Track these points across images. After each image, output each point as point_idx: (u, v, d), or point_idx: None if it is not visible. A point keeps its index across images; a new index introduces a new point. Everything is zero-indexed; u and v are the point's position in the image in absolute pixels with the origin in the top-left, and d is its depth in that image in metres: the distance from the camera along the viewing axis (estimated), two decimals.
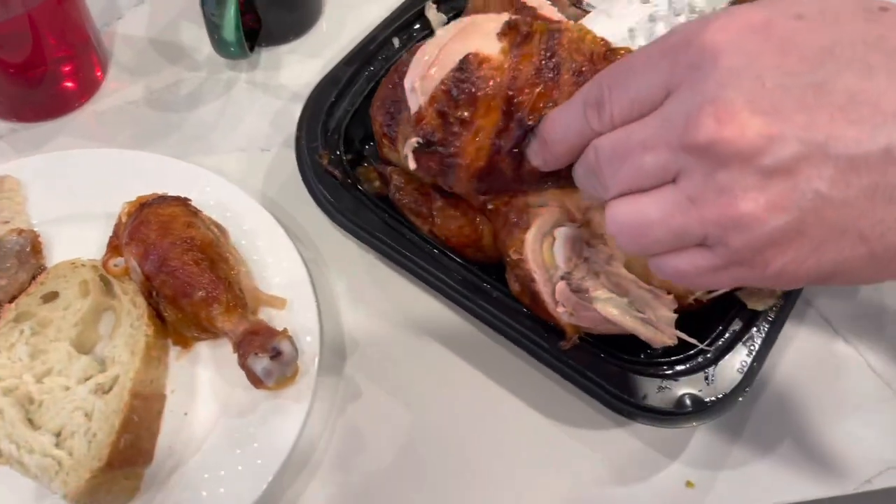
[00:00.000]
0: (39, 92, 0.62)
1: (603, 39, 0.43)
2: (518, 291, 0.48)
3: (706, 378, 0.46)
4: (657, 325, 0.45)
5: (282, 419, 0.47)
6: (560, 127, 0.37)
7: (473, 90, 0.42)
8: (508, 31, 0.42)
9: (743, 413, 0.52)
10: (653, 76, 0.31)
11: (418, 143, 0.43)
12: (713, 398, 0.45)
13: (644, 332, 0.44)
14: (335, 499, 0.48)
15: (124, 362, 0.46)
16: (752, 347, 0.47)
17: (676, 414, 0.45)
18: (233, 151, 0.62)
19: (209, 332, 0.49)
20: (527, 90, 0.41)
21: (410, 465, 0.49)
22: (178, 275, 0.48)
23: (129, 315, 0.49)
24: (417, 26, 0.61)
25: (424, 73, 0.44)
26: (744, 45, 0.29)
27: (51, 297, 0.50)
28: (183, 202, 0.53)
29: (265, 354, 0.45)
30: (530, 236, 0.44)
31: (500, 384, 0.52)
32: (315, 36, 0.70)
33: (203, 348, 0.51)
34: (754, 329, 0.48)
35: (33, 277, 0.52)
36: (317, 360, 0.49)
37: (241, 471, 0.46)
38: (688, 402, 0.45)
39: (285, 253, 0.54)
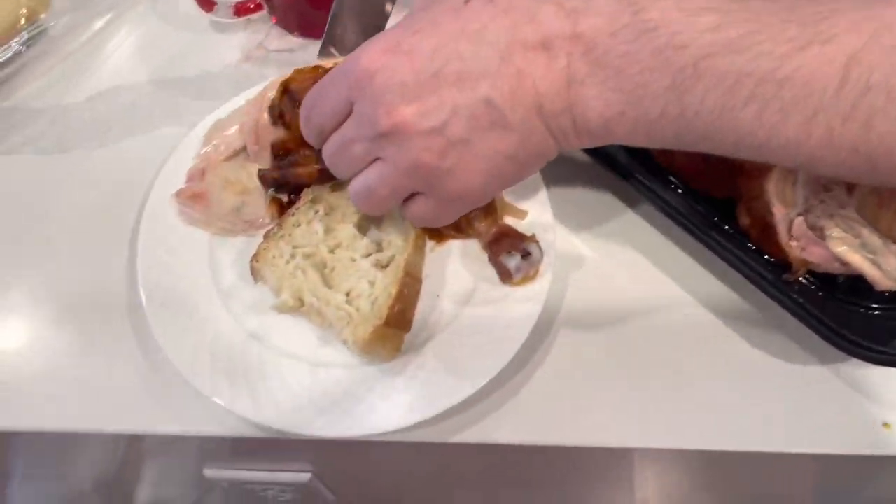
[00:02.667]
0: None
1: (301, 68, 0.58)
2: (747, 224, 0.52)
3: None
4: (884, 269, 0.48)
5: (519, 310, 0.54)
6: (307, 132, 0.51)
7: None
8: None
9: None
10: (338, 93, 0.45)
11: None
12: None
13: (870, 273, 0.48)
14: (553, 385, 0.55)
15: (398, 246, 0.55)
16: None
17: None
18: None
19: (462, 232, 0.58)
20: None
21: (618, 364, 0.55)
22: None
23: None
24: None
25: None
26: (387, 63, 0.42)
27: (336, 187, 0.59)
28: None
29: (518, 253, 0.53)
30: (776, 173, 0.49)
31: (714, 314, 0.57)
32: None
33: (453, 245, 0.59)
34: None
35: None
36: (551, 267, 0.56)
37: (482, 350, 0.53)
38: None
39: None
